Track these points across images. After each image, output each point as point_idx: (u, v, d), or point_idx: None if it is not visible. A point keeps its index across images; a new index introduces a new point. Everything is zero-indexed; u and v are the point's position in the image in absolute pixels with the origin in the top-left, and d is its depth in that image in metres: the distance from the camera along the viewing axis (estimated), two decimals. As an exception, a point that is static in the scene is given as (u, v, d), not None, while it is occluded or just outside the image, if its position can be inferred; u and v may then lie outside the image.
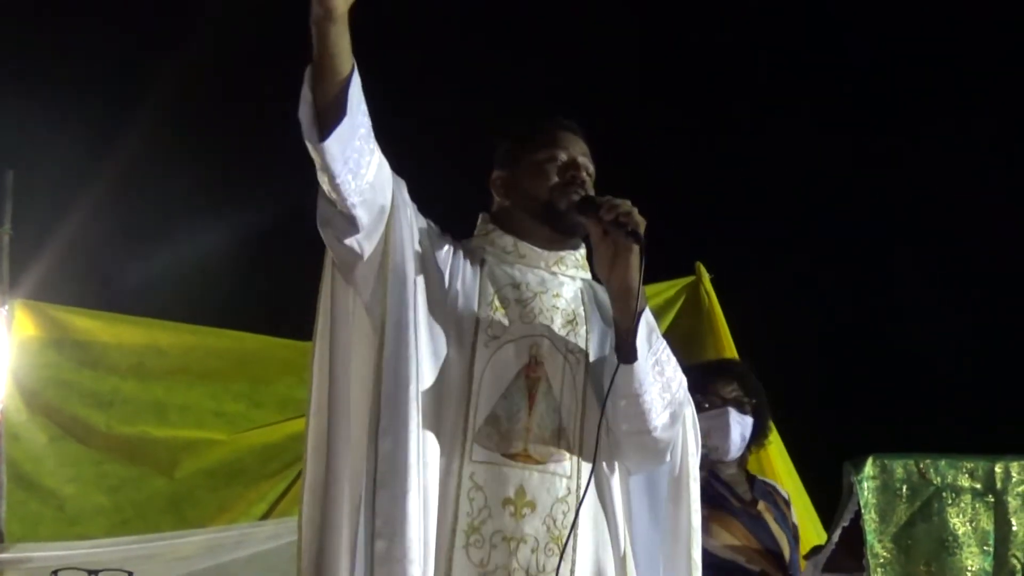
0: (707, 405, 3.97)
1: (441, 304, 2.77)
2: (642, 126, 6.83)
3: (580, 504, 2.67)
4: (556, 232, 2.88)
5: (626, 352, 2.71)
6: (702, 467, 3.97)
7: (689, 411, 2.91)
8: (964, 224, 7.07)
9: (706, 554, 3.31)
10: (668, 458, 2.85)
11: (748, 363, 4.57)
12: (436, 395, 2.70)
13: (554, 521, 2.68)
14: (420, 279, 2.75)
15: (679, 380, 2.83)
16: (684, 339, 5.23)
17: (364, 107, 2.58)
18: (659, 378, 2.76)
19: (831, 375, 6.82)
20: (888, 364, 7.00)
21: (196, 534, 4.74)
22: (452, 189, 3.69)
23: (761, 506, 4.06)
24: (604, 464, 2.76)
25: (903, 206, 7.11)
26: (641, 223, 2.71)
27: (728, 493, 4.02)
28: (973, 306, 7.06)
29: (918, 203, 7.10)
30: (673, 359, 2.84)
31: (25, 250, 5.07)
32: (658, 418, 2.75)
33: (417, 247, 2.77)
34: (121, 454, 4.90)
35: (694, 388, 2.99)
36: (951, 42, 6.95)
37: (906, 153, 7.10)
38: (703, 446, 3.99)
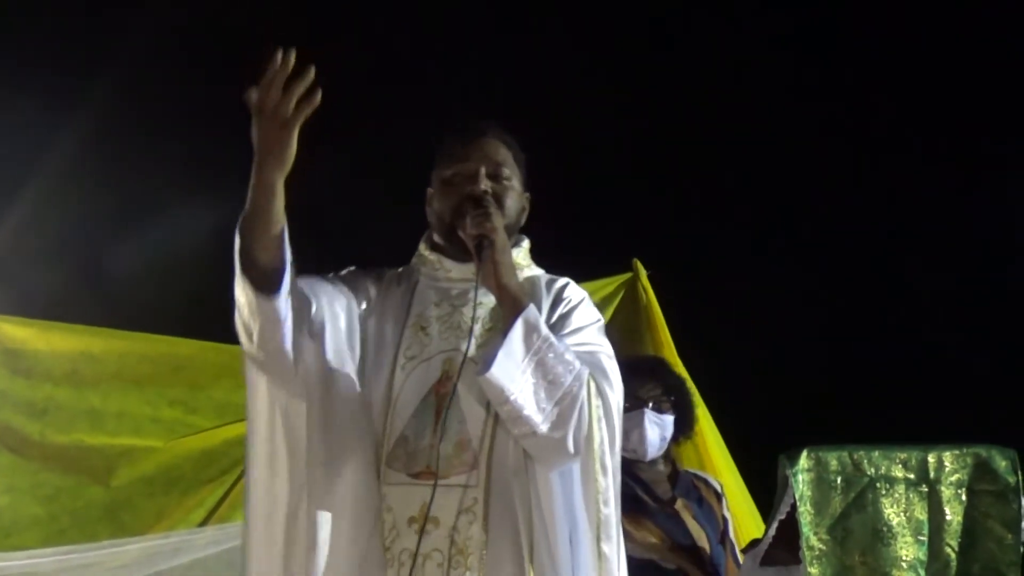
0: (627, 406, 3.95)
1: (360, 341, 2.85)
2: (583, 125, 6.83)
3: (429, 506, 2.70)
4: (463, 251, 2.89)
5: (481, 363, 2.69)
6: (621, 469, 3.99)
7: (597, 402, 2.80)
8: (900, 213, 7.14)
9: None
10: (573, 450, 2.74)
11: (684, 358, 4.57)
12: (362, 426, 2.78)
13: (458, 533, 2.71)
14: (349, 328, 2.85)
15: (576, 373, 2.74)
16: (623, 335, 5.25)
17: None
18: (541, 380, 2.69)
19: (768, 367, 6.86)
20: (824, 355, 7.05)
21: (134, 542, 4.70)
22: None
23: (679, 504, 4.06)
24: (513, 468, 2.76)
25: (837, 194, 7.16)
26: (490, 232, 2.76)
27: (645, 493, 4.03)
28: (907, 295, 7.13)
29: (853, 191, 7.16)
30: (567, 353, 2.75)
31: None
32: (544, 419, 2.69)
33: (343, 311, 2.86)
34: (56, 463, 4.84)
35: None
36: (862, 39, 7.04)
37: (850, 143, 7.16)
38: (623, 449, 4.03)
